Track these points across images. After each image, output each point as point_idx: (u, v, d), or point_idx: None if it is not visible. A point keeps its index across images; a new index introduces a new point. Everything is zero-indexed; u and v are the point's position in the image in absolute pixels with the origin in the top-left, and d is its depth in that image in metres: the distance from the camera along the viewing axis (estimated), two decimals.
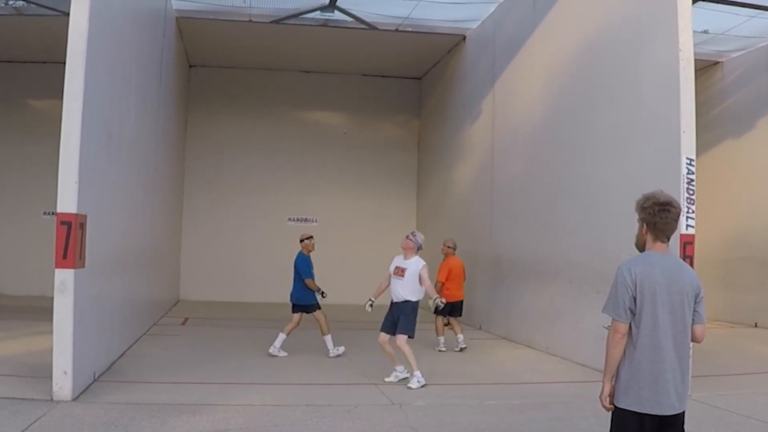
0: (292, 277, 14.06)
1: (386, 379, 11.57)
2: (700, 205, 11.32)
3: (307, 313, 13.97)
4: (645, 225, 5.06)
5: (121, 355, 12.72)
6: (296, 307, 14.02)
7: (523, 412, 9.64)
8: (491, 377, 12.31)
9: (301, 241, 14.40)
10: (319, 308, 14.00)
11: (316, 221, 25.74)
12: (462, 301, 15.46)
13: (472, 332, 18.09)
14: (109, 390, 10.05)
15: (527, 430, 8.80)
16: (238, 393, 10.37)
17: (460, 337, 15.15)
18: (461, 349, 14.95)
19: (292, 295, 14.10)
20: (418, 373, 11.20)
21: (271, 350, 13.79)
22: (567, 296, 14.12)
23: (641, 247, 5.13)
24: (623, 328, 4.89)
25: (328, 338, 14.02)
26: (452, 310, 14.91)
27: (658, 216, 4.98)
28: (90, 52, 9.49)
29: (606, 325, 4.99)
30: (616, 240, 11.78)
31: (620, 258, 5.17)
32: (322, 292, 13.93)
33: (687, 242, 10.58)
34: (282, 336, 13.86)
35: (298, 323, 14.01)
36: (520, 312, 16.21)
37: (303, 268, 13.99)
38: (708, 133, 19.59)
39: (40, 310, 12.14)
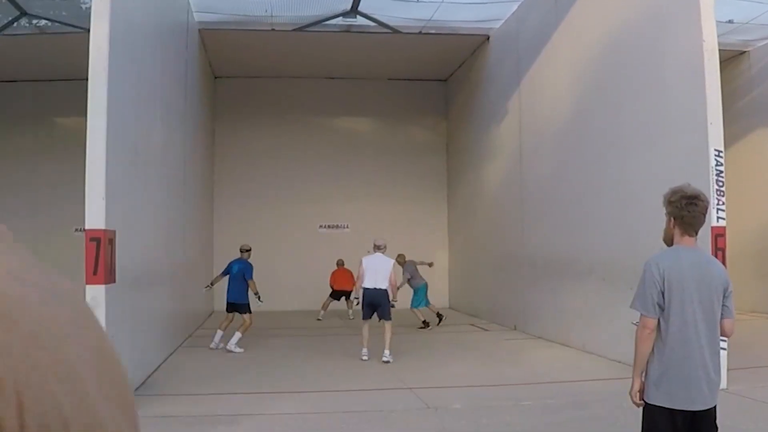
0: (233, 279, 15.73)
1: None
2: (731, 197, 11.22)
3: (240, 312, 15.54)
4: (673, 219, 4.99)
5: (157, 369, 12.78)
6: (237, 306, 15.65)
7: (560, 412, 9.57)
8: (527, 377, 12.21)
9: (249, 250, 16.13)
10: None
11: (347, 227, 25.76)
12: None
13: (507, 333, 18.07)
14: (145, 404, 10.05)
15: (565, 430, 8.75)
16: (275, 402, 10.38)
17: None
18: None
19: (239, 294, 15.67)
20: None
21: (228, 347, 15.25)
22: (601, 294, 14.02)
23: (669, 241, 5.07)
24: (652, 323, 4.83)
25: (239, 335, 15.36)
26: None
27: (685, 210, 4.91)
28: (112, 69, 9.54)
29: (634, 322, 4.94)
30: (647, 235, 11.62)
31: (651, 253, 5.12)
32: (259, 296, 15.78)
33: (718, 234, 10.48)
34: (238, 334, 15.28)
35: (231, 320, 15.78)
36: (555, 311, 16.13)
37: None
38: (737, 124, 19.41)
39: None
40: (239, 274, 15.59)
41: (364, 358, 13.93)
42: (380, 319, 14.14)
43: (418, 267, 19.41)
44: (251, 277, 15.56)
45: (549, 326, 16.46)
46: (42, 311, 0.65)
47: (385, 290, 14.14)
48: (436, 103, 26.80)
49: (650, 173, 12.33)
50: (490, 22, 20.44)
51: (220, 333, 15.57)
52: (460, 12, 19.26)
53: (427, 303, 19.28)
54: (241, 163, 25.47)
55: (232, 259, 16.07)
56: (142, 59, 12.04)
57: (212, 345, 15.46)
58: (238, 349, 15.02)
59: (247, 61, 23.76)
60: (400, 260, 18.77)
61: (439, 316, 19.57)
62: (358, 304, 14.71)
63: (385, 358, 13.69)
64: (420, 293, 19.03)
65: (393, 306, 14.51)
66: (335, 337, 17.69)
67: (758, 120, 20.50)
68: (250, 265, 15.77)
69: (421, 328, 18.82)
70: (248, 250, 16.02)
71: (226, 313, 15.81)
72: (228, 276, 15.87)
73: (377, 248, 14.47)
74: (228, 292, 15.77)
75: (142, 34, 12.00)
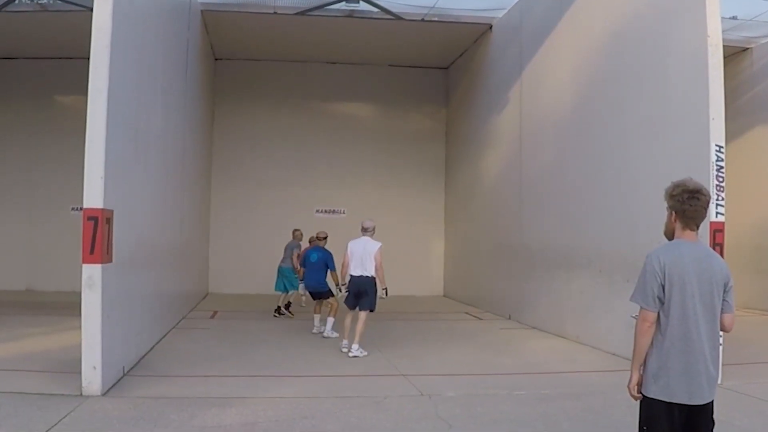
0: (312, 268, 15.61)
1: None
2: (730, 193, 11.19)
3: (324, 299, 15.71)
4: (674, 213, 4.98)
5: (151, 349, 12.77)
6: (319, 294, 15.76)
7: (554, 402, 9.56)
8: (522, 367, 12.19)
9: (325, 238, 16.11)
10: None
11: (344, 212, 25.70)
12: None
13: (502, 322, 18.06)
14: (139, 384, 10.08)
15: (559, 420, 8.73)
16: (268, 385, 10.38)
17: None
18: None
19: (318, 282, 15.60)
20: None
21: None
22: (597, 286, 14.02)
23: (670, 235, 5.05)
24: (652, 316, 4.82)
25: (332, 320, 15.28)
26: None
27: (687, 203, 4.90)
28: (114, 47, 9.49)
29: (634, 315, 4.93)
30: (646, 228, 11.66)
31: (651, 247, 5.10)
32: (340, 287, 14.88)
33: (717, 230, 10.47)
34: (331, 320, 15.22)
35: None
36: (551, 302, 16.12)
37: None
38: (738, 120, 19.40)
39: (71, 306, 12.10)
40: (319, 263, 15.47)
41: (344, 350, 13.16)
42: (360, 309, 13.20)
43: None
44: (334, 268, 15.22)
45: (544, 317, 16.45)
46: None
47: (373, 278, 13.24)
48: (436, 90, 26.73)
49: (650, 166, 12.32)
50: (493, 11, 20.43)
51: (317, 317, 15.88)
52: (463, 0, 19.22)
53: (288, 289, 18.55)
54: (239, 146, 25.41)
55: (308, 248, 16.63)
56: (144, 38, 11.98)
57: (314, 330, 15.70)
58: (334, 334, 14.85)
59: (249, 43, 23.68)
60: (298, 235, 18.68)
61: (287, 307, 18.69)
62: (342, 292, 13.87)
63: (352, 353, 12.96)
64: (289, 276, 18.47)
65: (383, 297, 13.48)
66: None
67: (759, 117, 20.50)
68: (330, 254, 15.60)
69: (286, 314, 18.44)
70: (325, 238, 16.07)
71: (312, 300, 16.08)
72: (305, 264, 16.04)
73: (365, 231, 13.49)
74: (306, 281, 16.08)
75: (144, 13, 11.94)
